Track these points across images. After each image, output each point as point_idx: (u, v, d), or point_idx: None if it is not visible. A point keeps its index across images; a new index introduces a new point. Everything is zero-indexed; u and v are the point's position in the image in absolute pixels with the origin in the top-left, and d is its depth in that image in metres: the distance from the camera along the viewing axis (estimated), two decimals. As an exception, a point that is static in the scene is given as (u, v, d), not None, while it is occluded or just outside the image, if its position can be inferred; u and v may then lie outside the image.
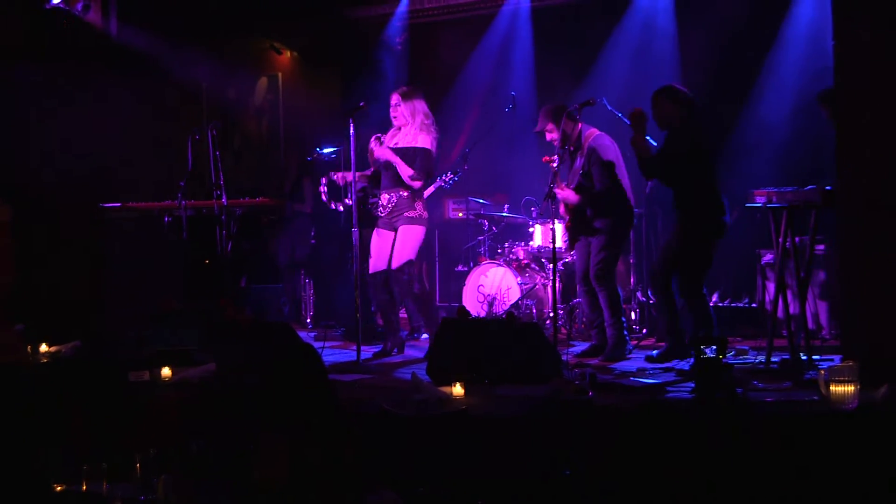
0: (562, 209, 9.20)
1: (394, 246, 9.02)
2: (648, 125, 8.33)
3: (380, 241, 9.13)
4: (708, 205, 8.08)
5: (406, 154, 8.94)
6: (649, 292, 10.65)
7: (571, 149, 9.06)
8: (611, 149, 8.95)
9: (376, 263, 9.11)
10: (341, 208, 9.42)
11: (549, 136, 9.09)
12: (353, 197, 8.75)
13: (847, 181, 7.04)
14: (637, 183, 9.29)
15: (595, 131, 9.03)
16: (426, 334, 9.27)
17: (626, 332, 8.99)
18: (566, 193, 8.96)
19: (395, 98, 9.08)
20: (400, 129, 9.09)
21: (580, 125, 9.05)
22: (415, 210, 9.02)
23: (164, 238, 10.54)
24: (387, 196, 9.06)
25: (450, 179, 9.67)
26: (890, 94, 6.81)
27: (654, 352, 8.59)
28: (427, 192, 9.44)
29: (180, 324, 8.56)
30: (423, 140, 9.00)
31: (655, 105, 8.31)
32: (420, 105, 9.05)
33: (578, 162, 9.00)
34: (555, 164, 8.86)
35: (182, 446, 5.18)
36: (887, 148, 6.80)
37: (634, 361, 8.65)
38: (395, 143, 9.03)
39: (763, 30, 11.36)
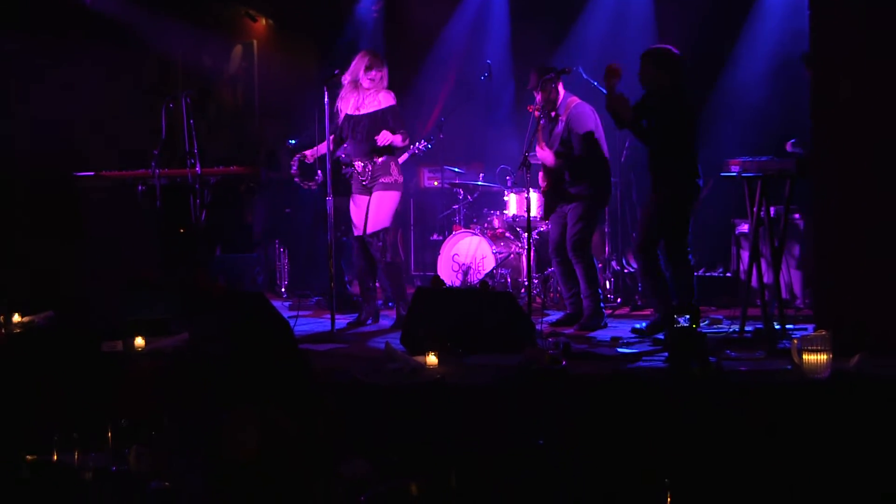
0: (541, 176, 9.19)
1: (368, 211, 8.98)
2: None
3: (358, 208, 9.08)
4: (684, 169, 8.05)
5: (376, 117, 8.89)
6: (624, 261, 10.66)
7: (553, 114, 9.05)
8: (590, 117, 8.93)
9: (358, 228, 9.08)
10: (314, 187, 9.37)
11: (538, 96, 9.06)
12: (329, 165, 8.69)
13: (821, 150, 7.05)
14: (612, 151, 9.29)
15: (576, 99, 9.02)
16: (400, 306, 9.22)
17: (602, 303, 8.99)
18: (545, 153, 8.96)
19: (369, 60, 8.98)
20: (356, 91, 8.99)
21: (563, 92, 9.04)
22: (390, 175, 8.98)
23: (137, 207, 10.46)
24: (361, 163, 9.01)
25: (423, 147, 9.65)
26: (865, 63, 6.82)
27: (643, 323, 8.57)
28: (401, 160, 9.41)
29: (154, 293, 8.51)
30: (388, 98, 9.01)
31: (641, 68, 8.26)
32: (386, 69, 9.05)
33: (559, 128, 8.99)
34: (538, 116, 8.90)
35: (154, 417, 5.17)
36: (861, 117, 6.81)
37: (610, 330, 8.66)
38: (359, 110, 8.96)
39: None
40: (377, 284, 9.51)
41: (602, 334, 8.51)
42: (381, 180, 8.95)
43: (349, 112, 8.99)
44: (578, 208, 8.89)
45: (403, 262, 9.21)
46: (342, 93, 9.08)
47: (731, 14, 11.36)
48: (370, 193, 8.99)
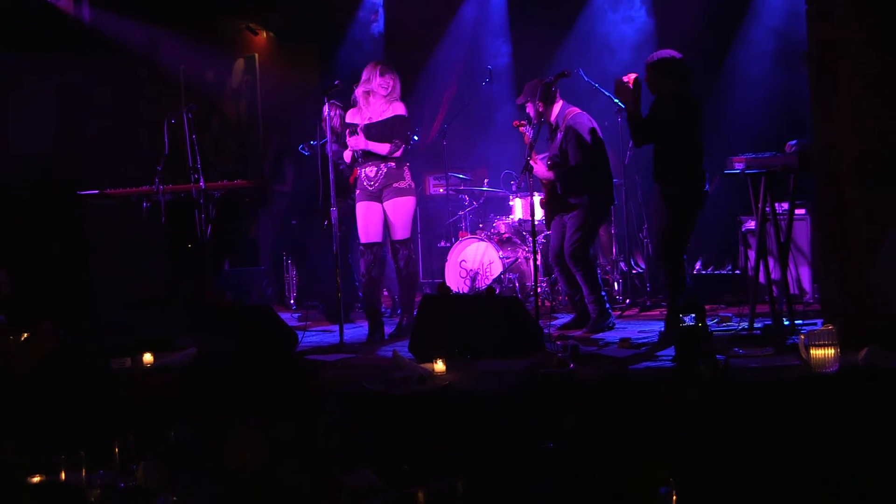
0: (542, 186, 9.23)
1: (388, 219, 8.96)
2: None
3: (367, 213, 9.01)
4: (688, 177, 8.00)
5: (385, 125, 8.87)
6: (632, 262, 10.65)
7: (552, 125, 9.06)
8: (587, 127, 8.93)
9: (369, 235, 9.03)
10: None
11: (529, 109, 9.07)
12: (332, 175, 8.68)
13: (823, 143, 7.03)
14: (616, 153, 9.28)
15: (575, 110, 9.03)
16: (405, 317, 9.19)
17: (608, 305, 8.98)
18: (539, 167, 8.98)
19: (381, 66, 8.97)
20: (368, 101, 8.98)
21: (560, 103, 9.06)
22: (404, 181, 8.95)
23: (143, 224, 10.49)
24: (374, 168, 8.97)
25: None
26: (864, 54, 6.80)
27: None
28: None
29: (161, 309, 8.53)
30: (398, 108, 8.97)
31: (647, 76, 8.22)
32: (399, 80, 9.05)
33: (557, 139, 8.99)
34: (527, 133, 8.89)
35: (161, 432, 5.17)
36: (862, 108, 6.79)
37: (618, 332, 8.64)
38: (370, 118, 8.94)
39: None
40: (384, 293, 9.48)
41: (611, 335, 8.50)
42: (395, 185, 8.91)
43: (362, 122, 8.96)
44: (578, 217, 8.89)
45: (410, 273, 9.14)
46: (355, 109, 9.05)
47: (730, 10, 11.33)
48: (379, 200, 8.95)
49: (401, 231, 8.94)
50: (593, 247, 10.60)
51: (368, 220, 8.99)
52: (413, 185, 9.06)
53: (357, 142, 8.85)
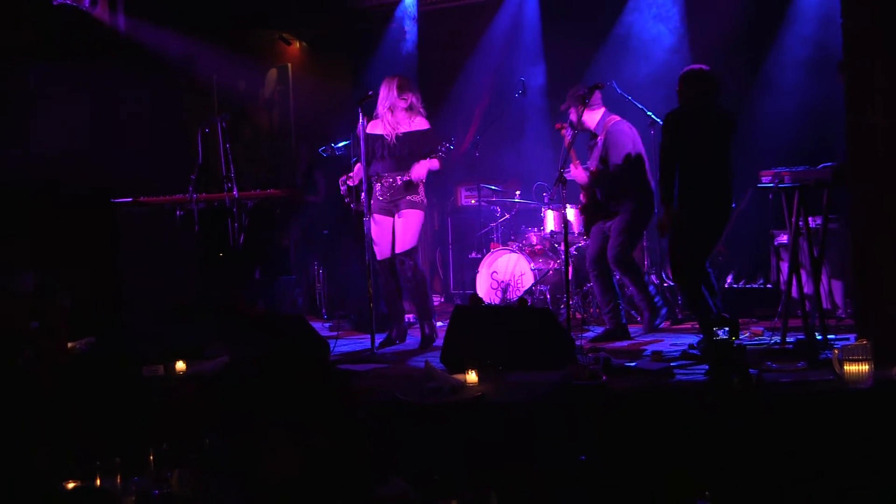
0: (581, 193, 9.29)
1: (395, 231, 8.98)
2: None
3: (380, 228, 9.04)
4: (710, 191, 7.94)
5: (413, 138, 8.89)
6: (664, 275, 10.62)
7: (593, 132, 9.20)
8: (628, 135, 9.02)
9: (383, 251, 9.07)
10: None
11: (571, 115, 9.16)
12: (365, 186, 8.71)
13: (858, 157, 7.00)
14: (651, 167, 9.29)
15: (615, 118, 9.13)
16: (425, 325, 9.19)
17: (658, 299, 9.25)
18: (577, 172, 9.05)
19: (398, 81, 8.95)
20: (393, 115, 8.98)
21: (602, 110, 9.15)
22: (418, 194, 8.97)
23: (176, 232, 10.53)
24: (391, 180, 8.99)
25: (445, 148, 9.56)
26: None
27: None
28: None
29: (193, 317, 8.56)
30: (422, 122, 9.03)
31: (678, 87, 8.23)
32: (419, 94, 9.11)
33: (598, 146, 9.06)
34: (567, 135, 8.97)
35: (195, 440, 5.19)
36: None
37: (651, 345, 8.63)
38: (394, 130, 8.95)
39: (773, 6, 11.31)
40: (404, 304, 9.50)
41: (649, 346, 8.51)
42: (409, 198, 8.93)
43: (384, 134, 8.97)
44: (621, 222, 8.97)
45: (429, 281, 9.17)
46: (377, 121, 9.03)
47: (764, 22, 11.29)
48: (391, 214, 8.98)
49: (408, 242, 8.97)
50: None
51: (384, 235, 9.03)
52: (425, 201, 9.11)
53: (420, 171, 8.87)
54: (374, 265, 9.10)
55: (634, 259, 9.25)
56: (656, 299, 9.18)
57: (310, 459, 3.71)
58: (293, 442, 3.84)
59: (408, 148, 8.88)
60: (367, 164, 8.94)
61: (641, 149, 9.07)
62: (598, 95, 9.20)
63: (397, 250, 8.98)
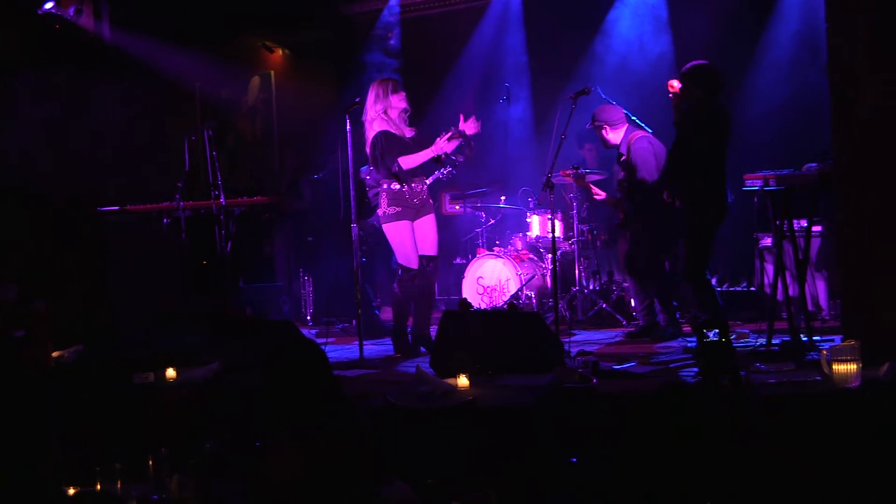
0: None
1: (428, 235, 8.96)
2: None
3: (422, 230, 8.97)
4: (707, 189, 8.02)
5: (417, 142, 8.95)
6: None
7: (619, 151, 9.43)
8: (649, 150, 9.09)
9: (427, 250, 9.01)
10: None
11: (605, 133, 9.49)
12: (353, 191, 8.72)
13: (844, 160, 7.06)
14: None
15: (638, 134, 9.23)
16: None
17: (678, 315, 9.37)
18: (600, 197, 9.65)
19: (392, 86, 8.92)
20: (402, 120, 8.95)
21: (625, 127, 9.37)
22: (431, 198, 9.05)
23: (163, 240, 10.55)
24: (420, 184, 8.94)
25: (447, 173, 9.62)
26: (887, 68, 6.84)
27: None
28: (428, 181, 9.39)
29: (184, 324, 8.58)
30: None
31: (680, 83, 8.29)
32: None
33: (624, 164, 9.32)
34: (573, 179, 9.65)
35: (194, 446, 5.21)
36: (884, 124, 6.83)
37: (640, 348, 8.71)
38: (405, 133, 8.94)
39: (756, 12, 11.36)
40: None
41: (637, 349, 8.60)
42: (430, 202, 8.98)
43: (399, 134, 8.86)
44: (643, 232, 9.15)
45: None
46: (384, 120, 8.86)
47: (744, 27, 11.36)
48: (415, 217, 8.92)
49: (436, 247, 9.03)
50: (610, 262, 10.73)
51: (427, 236, 9.00)
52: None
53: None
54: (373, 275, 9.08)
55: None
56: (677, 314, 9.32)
57: (313, 462, 3.74)
58: (295, 445, 3.87)
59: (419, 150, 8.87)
60: (356, 171, 8.94)
61: (662, 161, 9.15)
62: (619, 113, 9.38)
63: (432, 252, 8.97)
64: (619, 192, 9.50)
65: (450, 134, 8.68)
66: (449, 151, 8.76)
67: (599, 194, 9.66)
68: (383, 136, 8.70)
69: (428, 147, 8.74)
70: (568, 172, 9.69)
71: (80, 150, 11.19)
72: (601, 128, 9.40)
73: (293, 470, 3.88)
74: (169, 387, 7.50)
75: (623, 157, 9.30)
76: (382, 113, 8.80)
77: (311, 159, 11.68)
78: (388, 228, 8.81)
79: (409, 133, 8.86)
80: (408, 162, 8.67)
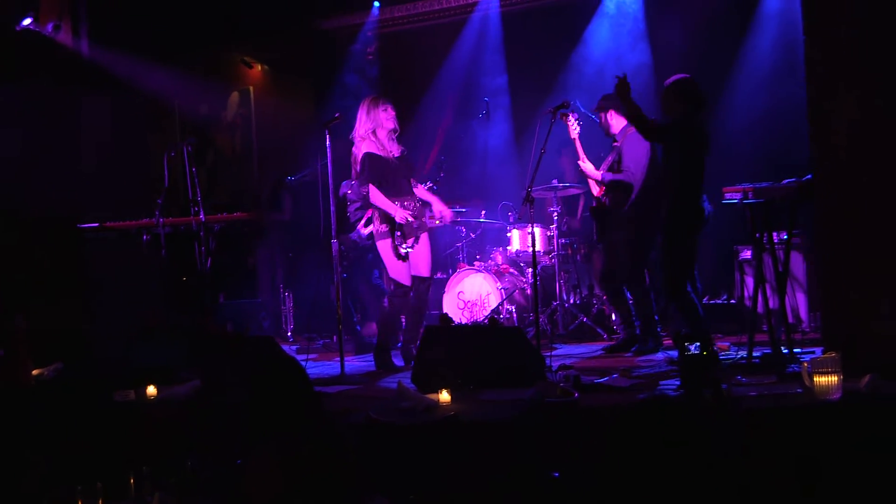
0: (596, 191, 9.54)
1: (421, 255, 9.03)
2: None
3: (418, 250, 9.05)
4: (686, 200, 8.07)
5: (406, 160, 9.03)
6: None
7: (615, 138, 9.49)
8: (645, 146, 9.20)
9: (420, 270, 9.12)
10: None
11: (609, 118, 9.56)
12: (333, 207, 8.72)
13: (822, 172, 7.09)
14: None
15: None
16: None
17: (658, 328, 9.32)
18: (587, 167, 9.51)
19: (381, 100, 8.97)
20: (391, 139, 8.97)
21: (623, 120, 9.35)
22: (425, 216, 9.07)
23: (143, 256, 10.52)
24: (413, 203, 9.00)
25: (430, 188, 9.64)
26: (864, 78, 6.87)
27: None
28: None
29: (164, 341, 8.54)
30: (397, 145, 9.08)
31: (663, 99, 8.33)
32: None
33: (613, 153, 9.43)
34: (572, 125, 9.49)
35: (176, 463, 5.19)
36: (862, 134, 6.85)
37: (620, 362, 8.70)
38: (392, 153, 8.95)
39: (733, 26, 11.43)
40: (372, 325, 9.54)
41: (618, 363, 8.58)
42: (424, 220, 9.02)
43: (383, 155, 8.88)
44: (628, 239, 9.16)
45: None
46: (371, 142, 8.89)
47: (723, 38, 11.41)
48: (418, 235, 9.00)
49: (430, 267, 9.12)
50: (590, 276, 10.72)
51: (421, 255, 9.11)
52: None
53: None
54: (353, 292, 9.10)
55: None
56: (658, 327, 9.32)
57: (294, 478, 3.73)
58: (277, 461, 3.86)
59: (408, 170, 8.99)
60: (336, 186, 8.95)
61: (657, 164, 9.16)
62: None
63: (426, 273, 9.09)
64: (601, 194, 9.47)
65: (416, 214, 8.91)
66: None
67: (586, 162, 9.55)
68: (368, 158, 8.75)
69: (411, 173, 9.09)
70: (566, 114, 9.51)
71: (59, 167, 11.15)
72: (607, 110, 9.46)
73: (275, 486, 3.87)
74: (150, 404, 7.45)
75: (616, 143, 9.33)
76: (371, 133, 8.82)
77: (290, 173, 11.65)
78: (381, 245, 8.84)
79: (396, 152, 8.88)
80: (375, 196, 8.79)
